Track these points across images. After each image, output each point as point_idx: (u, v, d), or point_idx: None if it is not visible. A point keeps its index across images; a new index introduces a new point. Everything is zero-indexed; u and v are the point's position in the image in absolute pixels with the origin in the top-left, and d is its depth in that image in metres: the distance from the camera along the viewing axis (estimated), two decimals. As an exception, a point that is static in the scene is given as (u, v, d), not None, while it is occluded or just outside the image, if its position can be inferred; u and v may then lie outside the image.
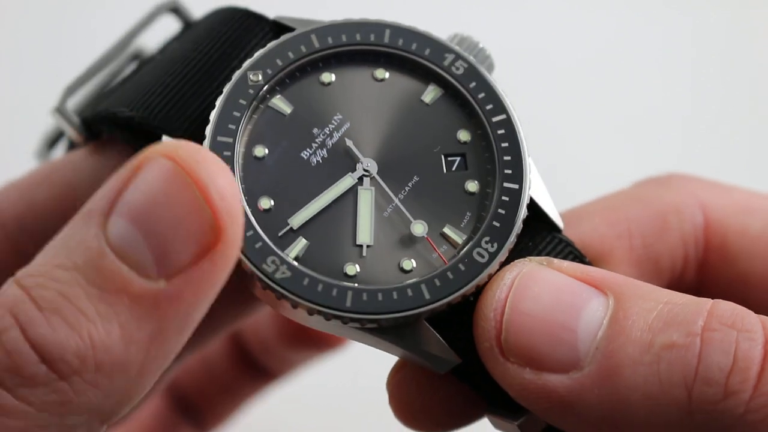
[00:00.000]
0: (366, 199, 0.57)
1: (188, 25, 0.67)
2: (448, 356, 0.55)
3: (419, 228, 0.56)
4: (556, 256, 0.57)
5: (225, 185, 0.50)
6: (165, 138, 0.57)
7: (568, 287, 0.52)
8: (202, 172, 0.49)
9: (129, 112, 0.58)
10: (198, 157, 0.50)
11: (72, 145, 0.69)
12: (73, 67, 0.68)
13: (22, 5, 1.21)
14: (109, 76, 0.68)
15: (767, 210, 0.63)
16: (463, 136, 0.58)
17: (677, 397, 0.49)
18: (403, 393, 0.60)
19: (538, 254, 0.57)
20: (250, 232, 0.54)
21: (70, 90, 0.64)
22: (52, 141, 0.73)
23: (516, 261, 0.55)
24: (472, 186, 0.57)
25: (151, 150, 0.51)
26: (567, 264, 0.54)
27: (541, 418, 0.54)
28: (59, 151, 0.73)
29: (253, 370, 0.86)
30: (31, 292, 0.49)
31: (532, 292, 0.52)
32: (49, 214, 0.63)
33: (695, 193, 0.62)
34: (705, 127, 1.18)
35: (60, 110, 0.63)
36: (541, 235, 0.58)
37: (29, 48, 1.20)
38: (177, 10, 0.68)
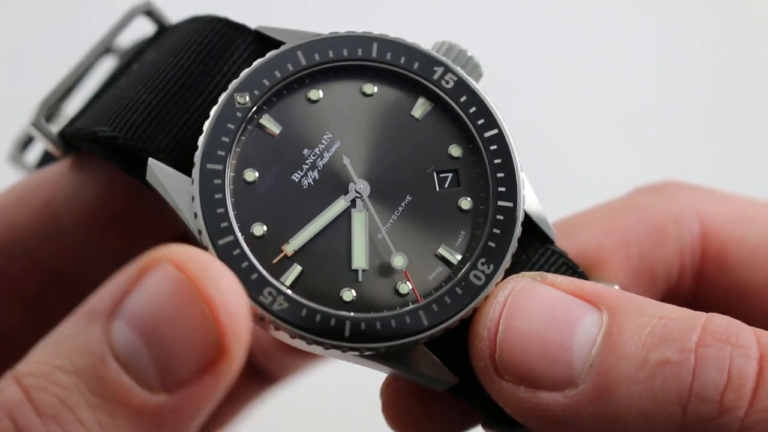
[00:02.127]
0: (360, 222, 0.56)
1: (162, 28, 0.66)
2: (445, 377, 0.55)
3: (399, 261, 0.56)
4: (549, 268, 0.57)
5: (234, 303, 0.49)
6: (150, 161, 0.56)
7: (562, 303, 0.52)
8: (212, 289, 0.49)
9: (110, 132, 0.57)
10: (209, 271, 0.49)
11: (47, 154, 0.67)
12: (46, 66, 0.67)
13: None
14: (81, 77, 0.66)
15: (764, 218, 0.62)
16: (455, 151, 0.58)
17: (672, 414, 0.49)
18: (398, 404, 0.60)
19: (532, 267, 0.57)
20: (245, 264, 0.54)
21: (46, 104, 0.63)
22: (25, 144, 0.71)
23: (509, 278, 0.55)
24: (465, 203, 0.57)
25: (161, 254, 0.50)
26: (560, 279, 0.54)
27: None
28: (33, 153, 0.72)
29: (254, 374, 0.87)
30: (30, 394, 0.48)
31: (525, 310, 0.52)
32: (28, 234, 0.62)
33: (692, 202, 0.62)
34: (702, 130, 1.18)
35: (37, 125, 0.62)
36: (533, 247, 0.58)
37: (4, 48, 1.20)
38: (151, 13, 0.67)
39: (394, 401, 0.60)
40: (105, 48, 0.66)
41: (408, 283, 0.56)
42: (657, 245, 0.61)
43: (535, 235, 0.58)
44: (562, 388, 0.51)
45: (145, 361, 0.49)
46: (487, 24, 1.21)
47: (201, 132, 0.56)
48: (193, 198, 0.55)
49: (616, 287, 0.58)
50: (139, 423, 0.49)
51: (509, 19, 1.23)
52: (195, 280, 0.49)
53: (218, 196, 0.55)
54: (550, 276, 0.54)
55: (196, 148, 0.56)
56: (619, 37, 1.22)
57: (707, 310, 0.54)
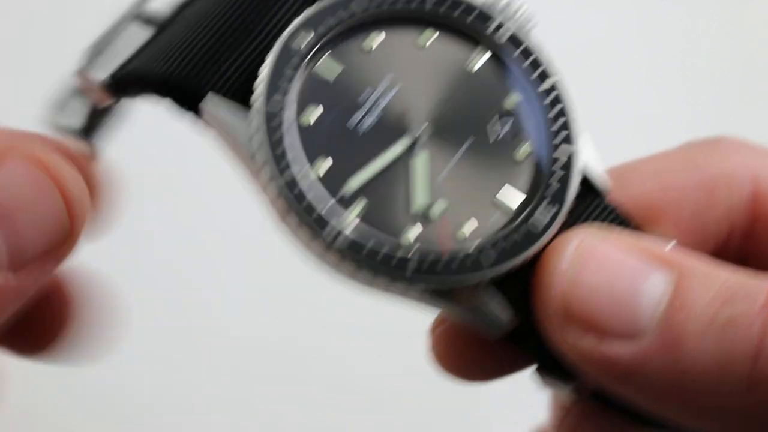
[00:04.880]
0: (421, 164, 0.56)
1: None
2: (506, 317, 0.55)
3: (439, 207, 0.56)
4: (603, 221, 0.57)
5: (82, 197, 0.55)
6: (209, 96, 0.56)
7: (630, 259, 0.53)
8: (68, 184, 0.54)
9: (165, 68, 0.57)
10: (63, 169, 0.54)
11: (94, 112, 0.65)
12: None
13: None
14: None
15: None
16: (511, 101, 0.58)
17: (739, 371, 0.50)
18: (449, 344, 0.60)
19: (587, 218, 0.57)
20: (312, 195, 0.54)
21: (96, 49, 0.62)
22: (64, 103, 0.70)
23: (577, 229, 0.55)
24: (524, 149, 0.57)
25: (20, 149, 0.54)
26: (628, 236, 0.54)
27: (598, 384, 0.54)
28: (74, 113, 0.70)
29: None
30: None
31: (593, 263, 0.53)
32: None
33: (745, 161, 0.62)
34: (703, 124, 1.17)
35: (84, 73, 0.61)
36: (589, 198, 0.57)
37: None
38: None
39: (444, 339, 0.60)
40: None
41: (461, 225, 0.56)
42: (708, 205, 0.61)
43: (590, 187, 0.57)
44: (631, 337, 0.51)
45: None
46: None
47: (260, 70, 0.56)
48: (253, 136, 0.55)
49: (673, 242, 0.58)
50: None
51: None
52: (54, 175, 0.54)
53: (280, 132, 0.54)
54: (617, 232, 0.54)
55: (255, 85, 0.55)
56: (622, 33, 1.22)
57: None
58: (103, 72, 0.60)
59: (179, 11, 0.62)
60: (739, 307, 0.50)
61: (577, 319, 0.52)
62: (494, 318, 0.55)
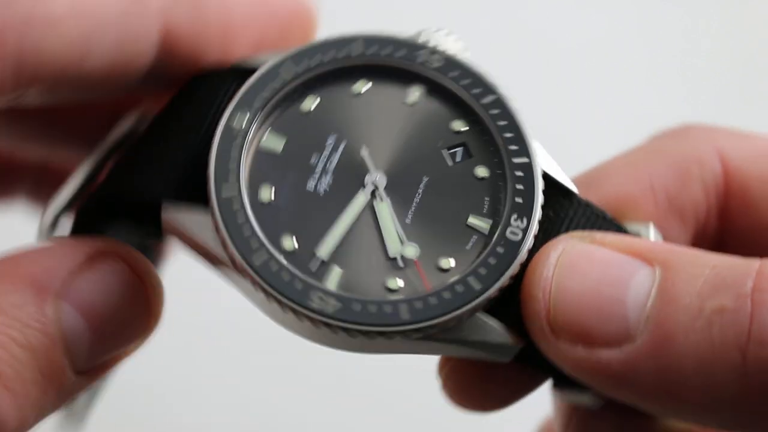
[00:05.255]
0: (385, 211, 0.56)
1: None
2: (511, 342, 0.55)
3: (410, 252, 0.56)
4: (579, 220, 0.57)
5: (161, 296, 0.54)
6: (164, 205, 0.55)
7: (614, 261, 0.52)
8: (154, 295, 0.53)
9: (114, 191, 0.58)
10: (153, 278, 0.53)
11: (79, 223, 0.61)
12: None
13: None
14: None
15: None
16: (458, 126, 0.58)
17: (732, 360, 0.49)
18: (459, 379, 0.60)
19: (562, 222, 0.57)
20: (288, 277, 0.54)
21: (58, 210, 0.61)
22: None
23: (558, 238, 0.55)
24: (481, 171, 0.57)
25: (110, 247, 0.53)
26: (610, 237, 0.53)
27: (598, 391, 0.54)
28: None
29: None
30: None
31: (576, 269, 0.52)
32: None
33: (713, 142, 0.62)
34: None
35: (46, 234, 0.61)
36: (559, 203, 0.57)
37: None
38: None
39: (454, 376, 0.59)
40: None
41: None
42: (683, 187, 0.61)
43: (556, 191, 0.57)
44: (620, 343, 0.51)
45: (83, 347, 0.51)
46: (487, 19, 1.21)
47: (205, 164, 0.55)
48: (217, 228, 0.54)
49: (651, 225, 0.58)
50: (58, 399, 0.52)
51: (509, 13, 1.23)
52: (146, 284, 0.53)
53: (241, 220, 0.54)
54: (599, 235, 0.54)
55: (204, 182, 0.55)
56: (620, 32, 1.22)
57: (734, 250, 0.54)
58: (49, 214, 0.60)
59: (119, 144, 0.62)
60: (728, 294, 0.49)
61: (566, 330, 0.52)
62: (497, 344, 0.55)
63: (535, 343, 0.54)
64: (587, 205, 0.57)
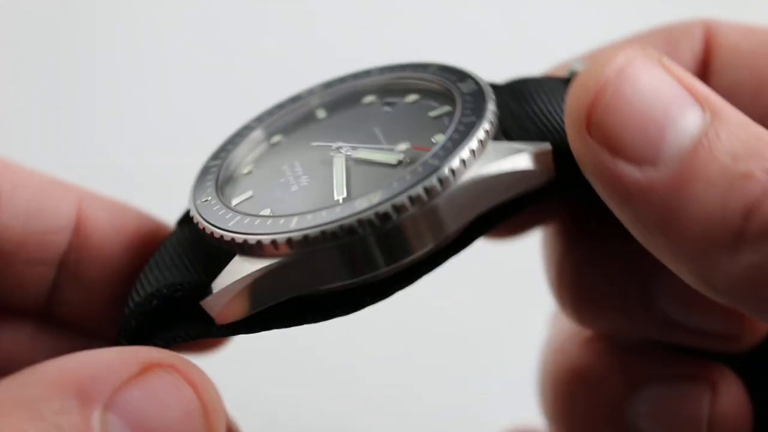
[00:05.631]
0: (339, 164, 0.57)
1: None
2: (540, 147, 0.55)
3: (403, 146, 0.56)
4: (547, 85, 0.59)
5: (222, 412, 0.49)
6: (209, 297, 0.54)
7: (673, 90, 0.52)
8: (214, 414, 0.49)
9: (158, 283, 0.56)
10: (212, 392, 0.49)
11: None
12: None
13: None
14: None
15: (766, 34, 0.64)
16: (411, 98, 0.59)
17: (733, 222, 0.50)
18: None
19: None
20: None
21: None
22: None
23: (629, 46, 0.54)
24: (434, 111, 0.58)
25: (164, 358, 0.49)
26: (677, 67, 0.53)
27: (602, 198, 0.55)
28: None
29: None
30: None
31: (636, 80, 0.52)
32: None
33: (701, 19, 0.64)
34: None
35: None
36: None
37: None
38: None
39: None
40: None
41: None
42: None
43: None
44: (643, 165, 0.51)
45: None
46: (483, 20, 1.21)
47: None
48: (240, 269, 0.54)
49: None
50: None
51: (504, 14, 1.23)
52: (204, 401, 0.49)
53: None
54: (668, 60, 0.54)
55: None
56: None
57: None
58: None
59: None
60: (760, 163, 0.50)
61: (601, 132, 0.52)
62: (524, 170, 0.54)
63: (565, 129, 0.54)
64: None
